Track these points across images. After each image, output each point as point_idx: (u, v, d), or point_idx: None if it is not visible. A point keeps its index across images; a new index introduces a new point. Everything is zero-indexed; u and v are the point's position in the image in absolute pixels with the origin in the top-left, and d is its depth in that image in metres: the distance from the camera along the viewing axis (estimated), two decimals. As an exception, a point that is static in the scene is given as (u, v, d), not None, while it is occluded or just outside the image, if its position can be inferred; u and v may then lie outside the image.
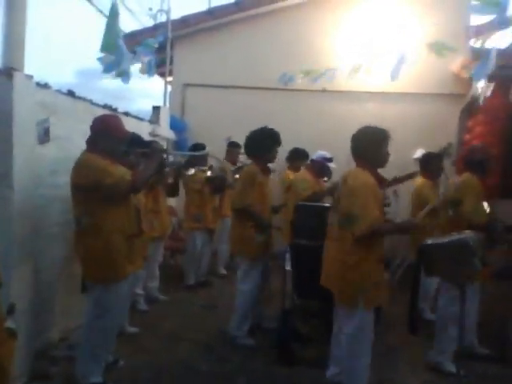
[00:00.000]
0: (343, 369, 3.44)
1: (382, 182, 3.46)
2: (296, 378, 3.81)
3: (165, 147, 5.38)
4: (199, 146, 6.24)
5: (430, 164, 5.32)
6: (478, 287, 4.08)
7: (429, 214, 4.96)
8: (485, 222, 3.93)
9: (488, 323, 4.53)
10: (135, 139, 3.97)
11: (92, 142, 3.43)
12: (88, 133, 3.51)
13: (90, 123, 3.51)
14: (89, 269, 3.41)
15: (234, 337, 4.47)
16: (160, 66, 8.45)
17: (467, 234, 3.36)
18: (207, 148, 6.13)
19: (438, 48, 6.27)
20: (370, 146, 3.33)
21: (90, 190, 3.23)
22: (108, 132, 3.41)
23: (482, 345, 4.29)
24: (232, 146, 6.94)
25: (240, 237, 4.46)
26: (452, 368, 3.75)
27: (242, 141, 4.85)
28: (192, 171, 5.27)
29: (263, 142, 4.49)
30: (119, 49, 5.79)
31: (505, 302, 4.26)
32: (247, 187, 4.39)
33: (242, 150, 6.71)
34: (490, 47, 6.95)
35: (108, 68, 5.97)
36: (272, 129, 4.56)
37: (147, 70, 7.40)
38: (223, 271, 7.03)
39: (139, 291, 5.22)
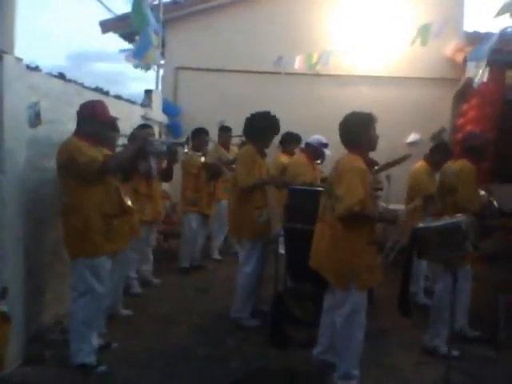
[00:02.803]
0: (329, 347, 3.54)
1: (372, 165, 3.51)
2: (289, 359, 3.83)
3: (153, 134, 5.34)
4: (200, 131, 6.24)
5: (437, 155, 5.22)
6: (470, 271, 4.11)
7: (426, 201, 5.00)
8: (479, 209, 3.93)
9: (479, 306, 4.58)
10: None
11: (77, 126, 3.57)
12: (79, 116, 3.57)
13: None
14: (68, 245, 3.51)
15: (236, 318, 4.49)
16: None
17: (460, 217, 3.38)
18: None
19: (424, 34, 6.22)
20: (357, 130, 3.39)
21: (65, 169, 3.37)
22: (94, 117, 3.51)
23: (472, 327, 4.35)
24: (223, 130, 7.01)
25: (242, 218, 4.46)
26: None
27: (234, 124, 4.84)
28: (186, 151, 5.23)
29: (264, 128, 4.49)
30: (146, 32, 5.88)
31: (495, 285, 4.31)
32: (250, 165, 4.41)
33: (233, 134, 6.76)
34: (487, 31, 6.98)
35: (137, 53, 6.05)
36: (274, 116, 4.55)
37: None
38: (217, 256, 7.03)
39: (133, 274, 5.22)
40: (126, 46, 8.73)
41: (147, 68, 6.88)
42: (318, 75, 8.09)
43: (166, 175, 5.50)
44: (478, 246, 3.58)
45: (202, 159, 6.09)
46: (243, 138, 5.54)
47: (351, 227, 3.22)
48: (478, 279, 4.72)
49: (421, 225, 3.45)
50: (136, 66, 7.06)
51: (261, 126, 4.49)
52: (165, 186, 6.43)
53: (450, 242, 3.31)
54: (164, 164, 5.40)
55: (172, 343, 4.09)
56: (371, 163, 3.59)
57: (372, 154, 3.56)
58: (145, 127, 5.26)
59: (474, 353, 4.05)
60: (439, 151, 5.30)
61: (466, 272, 3.93)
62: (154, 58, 6.67)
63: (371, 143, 3.45)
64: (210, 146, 6.65)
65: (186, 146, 4.81)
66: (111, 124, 3.76)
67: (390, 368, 3.79)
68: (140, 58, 6.38)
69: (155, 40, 6.75)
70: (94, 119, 3.51)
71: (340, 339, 3.36)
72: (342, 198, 3.17)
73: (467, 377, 3.66)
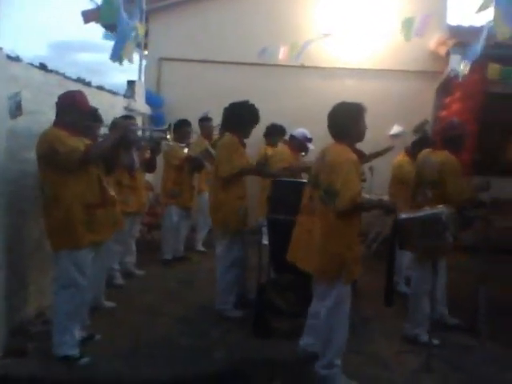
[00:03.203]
0: (318, 340, 3.49)
1: (361, 157, 3.48)
2: (273, 349, 3.85)
3: (136, 124, 5.30)
4: (183, 123, 6.20)
5: (419, 149, 5.23)
6: (446, 260, 4.18)
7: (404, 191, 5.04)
8: (471, 198, 3.97)
9: (459, 297, 4.66)
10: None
11: (57, 117, 3.55)
12: (61, 107, 3.53)
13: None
14: (51, 237, 3.49)
15: (220, 310, 4.51)
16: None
17: (440, 208, 3.43)
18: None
19: (407, 28, 6.22)
20: (347, 121, 3.32)
21: (46, 159, 3.36)
22: (73, 106, 3.50)
23: (452, 315, 4.43)
24: (204, 120, 6.90)
25: (223, 208, 4.44)
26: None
27: (218, 116, 4.83)
28: (170, 142, 5.20)
29: (242, 118, 4.45)
30: (121, 28, 5.75)
31: (476, 276, 4.37)
32: (232, 154, 4.37)
33: (215, 124, 6.68)
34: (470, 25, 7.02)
35: (114, 53, 5.90)
36: (253, 105, 4.51)
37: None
38: (202, 248, 7.03)
39: (115, 266, 5.20)
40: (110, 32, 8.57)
41: (121, 61, 6.74)
42: (303, 67, 8.10)
43: (150, 166, 5.48)
44: (459, 236, 3.64)
45: (185, 150, 6.05)
46: None
47: (344, 219, 3.16)
48: (459, 270, 4.80)
49: (403, 215, 3.49)
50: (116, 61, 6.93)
51: (240, 116, 4.45)
52: (148, 176, 6.40)
53: (431, 232, 3.36)
54: (147, 154, 5.37)
55: (156, 334, 4.09)
56: (360, 155, 3.56)
57: (357, 145, 3.55)
58: (127, 119, 5.22)
59: (454, 341, 4.12)
60: (421, 145, 5.33)
61: (442, 260, 4.00)
62: (130, 51, 6.49)
63: (360, 134, 3.38)
64: (194, 139, 6.60)
65: (167, 133, 4.78)
66: (91, 114, 3.73)
67: (372, 356, 3.84)
68: (115, 57, 6.19)
69: (140, 29, 6.62)
70: (74, 109, 3.49)
71: (324, 330, 3.34)
72: (344, 191, 3.07)
73: (447, 364, 3.73)
